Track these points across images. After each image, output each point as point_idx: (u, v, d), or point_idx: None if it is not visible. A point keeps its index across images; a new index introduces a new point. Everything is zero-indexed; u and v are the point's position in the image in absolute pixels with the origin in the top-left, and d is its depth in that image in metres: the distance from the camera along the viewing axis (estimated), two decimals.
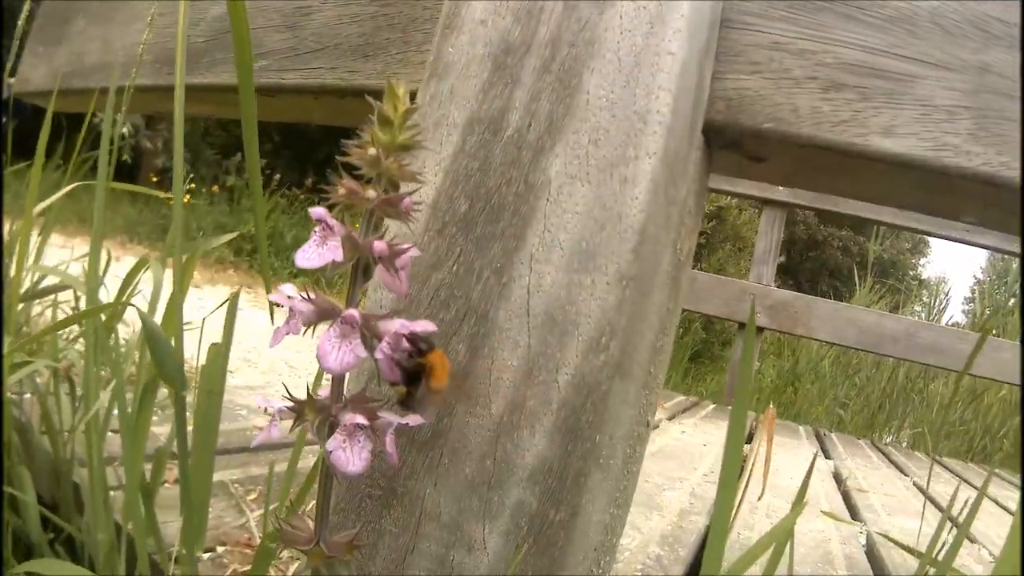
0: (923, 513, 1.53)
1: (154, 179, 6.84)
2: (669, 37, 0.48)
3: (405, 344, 0.34)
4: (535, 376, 0.45)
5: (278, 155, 8.11)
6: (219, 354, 0.46)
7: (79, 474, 0.84)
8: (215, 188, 6.85)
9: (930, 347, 2.68)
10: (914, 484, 1.94)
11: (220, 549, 0.84)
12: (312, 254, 0.32)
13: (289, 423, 0.35)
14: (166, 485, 0.91)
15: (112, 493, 0.74)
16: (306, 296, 0.34)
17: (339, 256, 0.32)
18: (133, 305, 0.47)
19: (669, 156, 0.49)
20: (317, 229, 0.33)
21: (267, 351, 2.01)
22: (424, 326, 0.34)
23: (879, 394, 3.54)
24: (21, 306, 0.94)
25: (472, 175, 0.48)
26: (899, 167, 0.55)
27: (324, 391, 0.37)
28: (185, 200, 6.93)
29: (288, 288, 0.35)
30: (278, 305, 0.34)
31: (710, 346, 8.19)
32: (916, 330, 2.79)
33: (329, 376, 0.34)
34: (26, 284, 0.98)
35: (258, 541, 0.85)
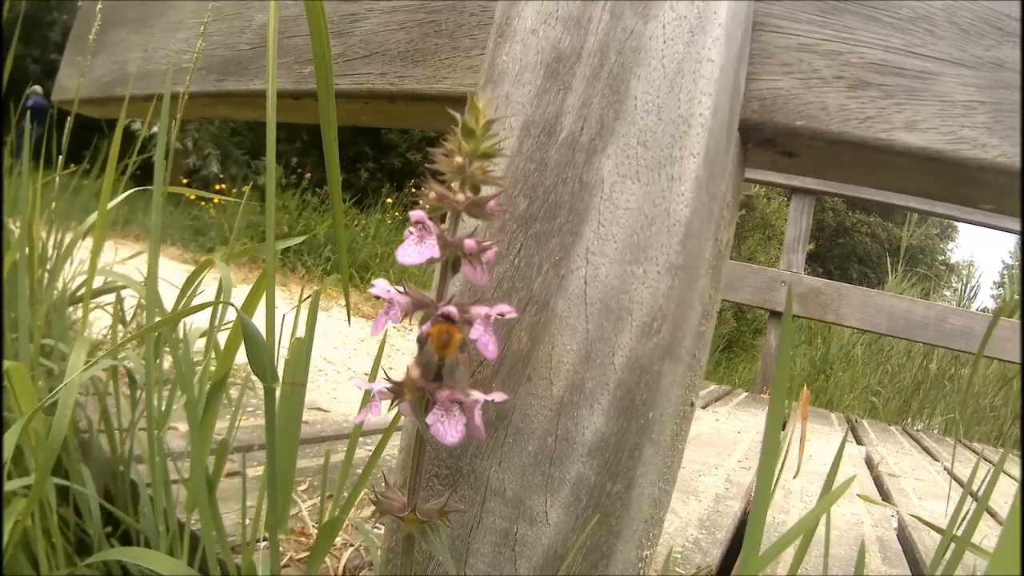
0: (949, 493, 1.58)
1: (184, 181, 6.93)
2: (709, 45, 0.54)
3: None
4: (593, 359, 0.51)
5: (307, 154, 8.24)
6: (303, 347, 0.52)
7: (136, 471, 0.90)
8: (245, 188, 6.97)
9: (960, 333, 2.72)
10: (945, 469, 2.00)
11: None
12: (412, 251, 0.37)
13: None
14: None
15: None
16: (402, 289, 0.40)
17: (436, 253, 0.38)
18: (232, 304, 0.52)
19: (710, 155, 0.54)
20: (414, 229, 0.39)
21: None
22: (501, 309, 0.40)
23: (911, 381, 3.61)
24: (74, 308, 1.00)
25: (529, 175, 0.53)
26: (921, 160, 0.60)
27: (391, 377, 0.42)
28: (216, 201, 6.99)
29: (382, 283, 0.41)
30: (377, 298, 0.40)
31: (742, 335, 8.32)
32: (946, 316, 2.84)
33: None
34: (75, 287, 1.04)
35: (311, 530, 0.91)
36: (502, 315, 0.39)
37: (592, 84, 0.54)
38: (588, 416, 0.51)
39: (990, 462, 2.30)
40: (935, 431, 3.32)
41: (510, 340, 0.53)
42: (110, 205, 0.82)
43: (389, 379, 0.41)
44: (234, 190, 6.90)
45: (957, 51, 0.59)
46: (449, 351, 0.38)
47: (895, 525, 1.33)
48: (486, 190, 0.44)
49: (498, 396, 0.40)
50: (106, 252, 1.20)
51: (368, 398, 0.43)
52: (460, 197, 0.40)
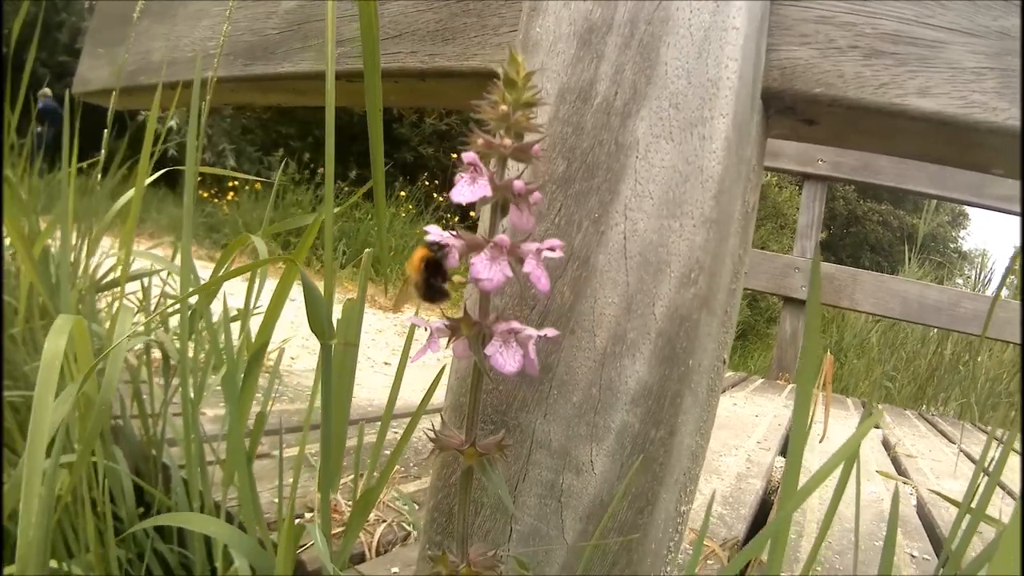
0: (953, 467, 1.62)
1: (199, 177, 6.98)
2: (733, 14, 0.58)
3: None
4: (634, 310, 0.54)
5: (320, 149, 8.28)
6: (355, 308, 0.55)
7: (168, 453, 0.92)
8: (258, 185, 7.01)
9: (973, 317, 2.76)
10: (961, 451, 2.04)
11: (308, 515, 0.93)
12: (466, 191, 0.41)
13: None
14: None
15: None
16: (455, 233, 0.43)
17: (488, 192, 0.41)
18: (293, 260, 0.55)
19: (738, 118, 0.58)
20: (465, 172, 0.42)
21: None
22: (552, 244, 0.43)
23: (925, 367, 3.66)
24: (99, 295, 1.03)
25: (567, 139, 0.57)
26: (934, 124, 0.64)
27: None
28: (229, 197, 6.98)
29: (434, 228, 0.44)
30: (435, 242, 0.43)
31: (756, 324, 8.43)
32: (959, 300, 2.89)
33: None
34: (101, 276, 1.07)
35: (344, 508, 0.93)
36: (552, 249, 0.42)
37: (624, 52, 0.57)
38: (631, 365, 0.54)
39: (1002, 442, 2.34)
40: (950, 415, 3.38)
41: (553, 296, 0.56)
42: (125, 199, 0.86)
43: (447, 317, 0.44)
44: (246, 186, 6.94)
45: (966, 21, 0.63)
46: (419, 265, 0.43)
47: (914, 503, 1.36)
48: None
49: (550, 332, 0.43)
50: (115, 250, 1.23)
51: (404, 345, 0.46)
52: (507, 142, 0.43)
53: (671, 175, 0.55)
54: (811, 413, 0.52)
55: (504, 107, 0.43)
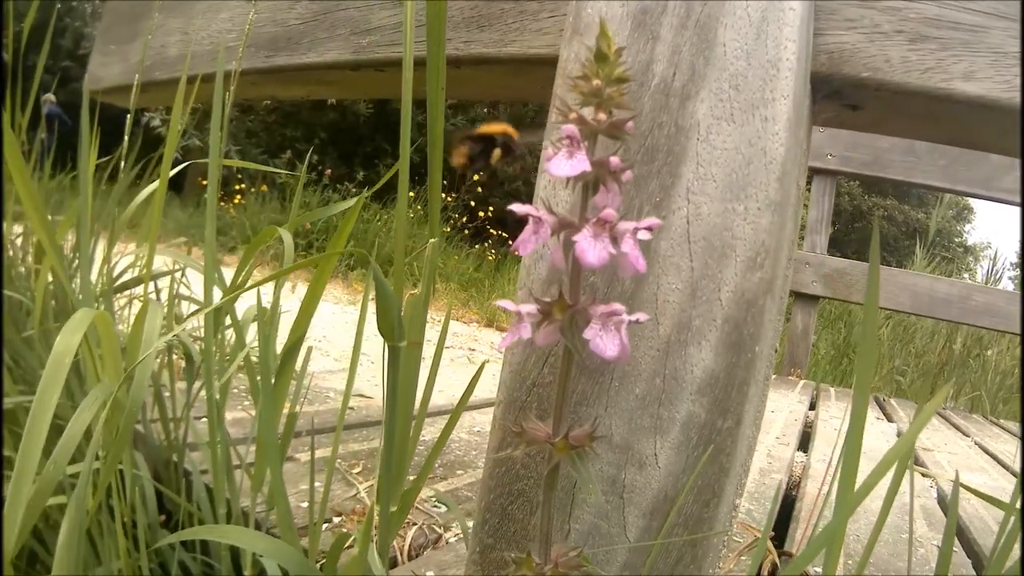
0: (969, 455, 1.61)
1: (203, 182, 6.97)
2: None
3: None
4: (699, 296, 0.53)
5: (326, 152, 8.29)
6: (420, 304, 0.53)
7: (189, 459, 0.90)
8: (264, 187, 6.98)
9: (984, 310, 2.78)
10: (976, 443, 2.06)
11: (336, 519, 0.90)
12: (565, 165, 0.39)
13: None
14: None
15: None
16: (549, 208, 0.42)
17: (588, 167, 0.40)
18: (363, 252, 0.53)
19: (796, 99, 0.57)
20: (562, 145, 0.40)
21: (337, 339, 2.08)
22: (651, 223, 0.41)
23: (936, 361, 3.70)
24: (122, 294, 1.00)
25: (634, 112, 0.56)
26: (979, 108, 0.64)
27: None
28: (236, 200, 6.92)
29: (526, 207, 0.43)
30: (523, 218, 0.42)
31: None
32: (969, 293, 2.91)
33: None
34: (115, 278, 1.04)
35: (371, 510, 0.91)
36: (649, 229, 0.41)
37: (680, 33, 0.56)
38: (696, 353, 0.53)
39: (1018, 436, 2.37)
40: (962, 409, 3.41)
41: (613, 284, 0.55)
42: (142, 197, 0.84)
43: (538, 300, 0.42)
44: (252, 189, 6.89)
45: (1003, 6, 0.63)
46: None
47: (935, 495, 1.37)
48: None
49: (642, 316, 0.42)
50: (129, 251, 1.21)
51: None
52: (601, 116, 0.42)
53: (734, 157, 0.54)
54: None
55: (597, 81, 0.42)
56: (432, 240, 0.50)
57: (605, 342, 0.40)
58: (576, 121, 0.41)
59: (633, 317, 0.42)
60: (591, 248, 0.39)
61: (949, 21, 0.64)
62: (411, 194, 7.36)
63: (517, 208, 0.42)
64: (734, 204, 0.53)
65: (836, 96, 0.68)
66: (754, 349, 0.54)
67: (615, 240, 0.41)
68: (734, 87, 0.55)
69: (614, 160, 0.41)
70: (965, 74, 0.63)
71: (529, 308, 0.42)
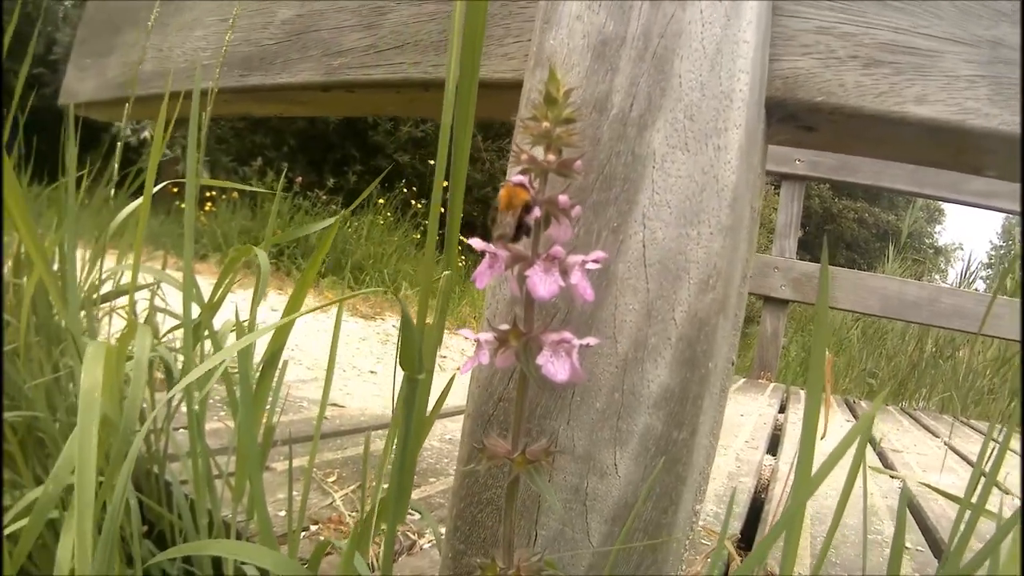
0: (939, 456, 1.68)
1: (174, 190, 6.95)
2: (743, 27, 0.61)
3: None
4: (655, 316, 0.57)
5: (295, 159, 8.28)
6: (434, 335, 0.56)
7: (169, 470, 0.92)
8: (235, 194, 6.95)
9: (953, 312, 2.87)
10: (945, 444, 2.13)
11: (313, 528, 0.94)
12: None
13: None
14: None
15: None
16: (501, 245, 0.46)
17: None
18: (395, 294, 0.57)
19: (748, 128, 0.61)
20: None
21: (310, 348, 2.11)
22: (597, 256, 0.45)
23: (906, 363, 3.79)
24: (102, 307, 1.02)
25: (583, 150, 0.60)
26: (931, 130, 0.68)
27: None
28: (207, 207, 6.88)
29: (477, 240, 0.46)
30: (481, 252, 0.45)
31: None
32: (938, 295, 3.00)
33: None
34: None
35: (347, 519, 0.95)
36: (596, 261, 0.45)
37: (638, 65, 0.60)
38: (652, 370, 0.57)
39: (994, 439, 2.44)
40: (932, 410, 3.50)
41: (573, 304, 0.59)
42: (126, 212, 0.86)
43: (495, 329, 0.46)
44: (224, 196, 6.86)
45: (959, 31, 0.67)
46: (515, 204, 0.44)
47: None
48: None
49: (592, 340, 0.46)
50: (108, 261, 1.23)
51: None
52: (550, 158, 0.45)
53: (688, 184, 0.58)
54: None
55: (546, 124, 0.46)
56: (446, 272, 0.53)
57: (556, 367, 0.44)
58: (528, 162, 0.45)
59: (583, 341, 0.45)
60: (542, 282, 0.43)
61: (904, 46, 0.68)
62: (381, 201, 7.38)
63: (476, 244, 0.45)
64: (688, 229, 0.57)
65: (791, 119, 0.72)
66: (708, 365, 0.58)
67: (565, 273, 0.45)
68: (689, 117, 0.59)
69: (562, 198, 0.45)
70: (917, 98, 0.68)
71: (487, 336, 0.45)
